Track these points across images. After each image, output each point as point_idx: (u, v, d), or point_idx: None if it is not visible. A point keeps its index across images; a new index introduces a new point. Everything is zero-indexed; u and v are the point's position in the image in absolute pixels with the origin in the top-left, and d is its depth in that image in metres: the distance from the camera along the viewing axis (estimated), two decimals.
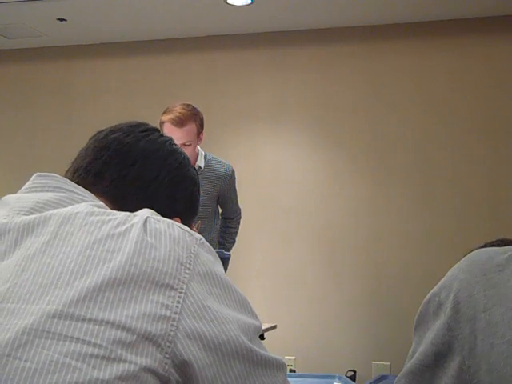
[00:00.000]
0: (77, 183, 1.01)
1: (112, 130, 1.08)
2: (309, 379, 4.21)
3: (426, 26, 4.78)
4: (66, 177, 1.05)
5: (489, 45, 4.69)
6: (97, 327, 0.72)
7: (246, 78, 5.10)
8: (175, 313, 0.75)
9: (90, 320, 0.73)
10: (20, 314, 0.73)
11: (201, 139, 3.36)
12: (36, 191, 0.93)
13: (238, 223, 3.80)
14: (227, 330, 0.78)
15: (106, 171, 1.03)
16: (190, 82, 5.16)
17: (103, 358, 0.71)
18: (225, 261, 3.39)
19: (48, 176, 0.96)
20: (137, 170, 1.04)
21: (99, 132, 1.09)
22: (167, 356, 0.73)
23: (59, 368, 0.70)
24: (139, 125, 1.10)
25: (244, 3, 4.45)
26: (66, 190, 0.94)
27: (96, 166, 1.04)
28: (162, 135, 1.10)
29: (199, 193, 1.15)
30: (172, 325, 0.75)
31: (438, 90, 4.77)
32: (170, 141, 1.11)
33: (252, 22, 4.86)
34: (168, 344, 0.74)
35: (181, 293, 0.77)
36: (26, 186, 0.96)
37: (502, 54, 4.67)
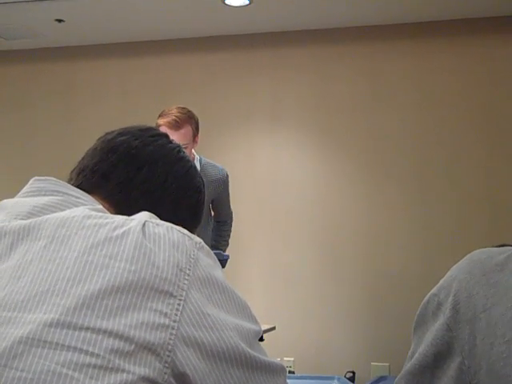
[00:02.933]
0: (81, 183, 1.01)
1: (120, 133, 1.07)
2: (308, 380, 4.21)
3: (424, 26, 4.78)
4: (71, 176, 1.05)
5: (488, 45, 4.70)
6: (94, 336, 0.71)
7: (244, 78, 5.10)
8: (174, 321, 0.74)
9: (87, 329, 0.72)
10: (16, 322, 0.72)
11: (196, 142, 3.40)
12: (34, 195, 0.92)
13: (231, 226, 3.85)
14: (226, 338, 0.77)
15: (112, 173, 1.03)
16: (188, 82, 5.16)
17: (100, 367, 0.70)
18: (223, 262, 3.40)
19: (46, 180, 0.95)
20: (144, 174, 1.04)
21: (107, 133, 1.09)
22: (167, 365, 0.72)
23: (56, 378, 0.69)
24: (148, 129, 1.10)
25: (242, 4, 4.45)
26: (64, 193, 0.93)
27: (103, 167, 1.03)
28: (170, 142, 1.10)
29: (204, 202, 1.14)
30: (171, 333, 0.73)
31: (436, 90, 4.77)
32: (178, 148, 1.10)
33: (250, 22, 4.86)
34: (167, 353, 0.73)
35: (180, 300, 0.76)
36: (24, 190, 0.95)
37: (501, 54, 4.67)
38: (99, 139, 1.08)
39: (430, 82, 4.79)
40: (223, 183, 3.59)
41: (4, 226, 0.84)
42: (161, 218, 0.87)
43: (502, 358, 0.76)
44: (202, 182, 1.13)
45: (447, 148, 4.72)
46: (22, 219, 0.85)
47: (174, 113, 3.27)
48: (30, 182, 0.96)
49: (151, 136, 1.08)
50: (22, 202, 0.90)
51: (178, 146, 1.11)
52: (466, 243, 4.49)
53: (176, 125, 3.23)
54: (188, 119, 3.29)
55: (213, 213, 3.74)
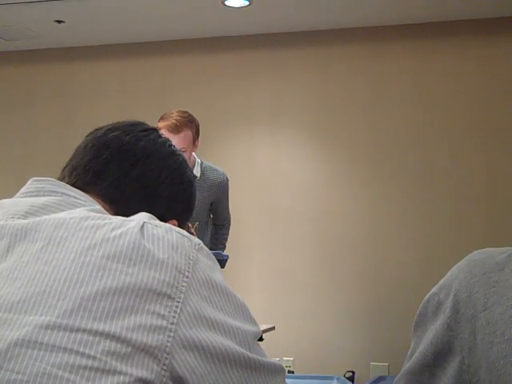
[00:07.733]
0: (75, 182, 1.00)
1: (110, 129, 1.06)
2: (307, 380, 4.22)
3: (424, 27, 4.79)
4: (62, 174, 1.03)
5: (487, 46, 4.70)
6: (91, 338, 0.71)
7: (244, 79, 5.10)
8: (172, 323, 0.74)
9: (84, 331, 0.71)
10: (12, 324, 0.72)
11: (196, 146, 3.42)
12: (32, 196, 0.92)
13: (228, 229, 3.87)
14: (225, 339, 0.77)
15: (106, 170, 1.01)
16: (187, 83, 5.16)
17: (97, 369, 0.69)
18: (223, 262, 3.41)
19: (44, 180, 0.94)
20: (138, 170, 1.03)
21: (97, 129, 1.07)
22: (165, 368, 0.72)
23: (51, 380, 0.68)
24: (138, 124, 1.09)
25: (241, 5, 4.45)
26: (62, 193, 0.92)
27: (96, 165, 1.02)
28: (160, 136, 1.09)
29: (196, 195, 1.14)
30: (169, 335, 0.73)
31: (436, 91, 4.77)
32: (168, 142, 1.09)
33: (249, 23, 4.86)
34: (165, 355, 0.72)
35: (178, 302, 0.75)
36: (22, 190, 0.94)
37: (500, 55, 4.68)
38: (88, 136, 1.07)
39: (430, 83, 4.79)
40: (223, 187, 3.61)
41: (1, 225, 0.83)
42: (157, 214, 0.87)
43: (502, 357, 0.76)
44: (193, 175, 1.13)
45: (447, 148, 4.72)
46: (19, 218, 0.84)
47: (174, 116, 3.29)
48: (29, 182, 0.95)
49: (142, 131, 1.07)
50: (19, 201, 0.90)
51: (168, 139, 1.10)
52: (465, 245, 4.49)
53: (176, 128, 3.25)
54: (188, 123, 3.31)
55: (212, 216, 3.76)
